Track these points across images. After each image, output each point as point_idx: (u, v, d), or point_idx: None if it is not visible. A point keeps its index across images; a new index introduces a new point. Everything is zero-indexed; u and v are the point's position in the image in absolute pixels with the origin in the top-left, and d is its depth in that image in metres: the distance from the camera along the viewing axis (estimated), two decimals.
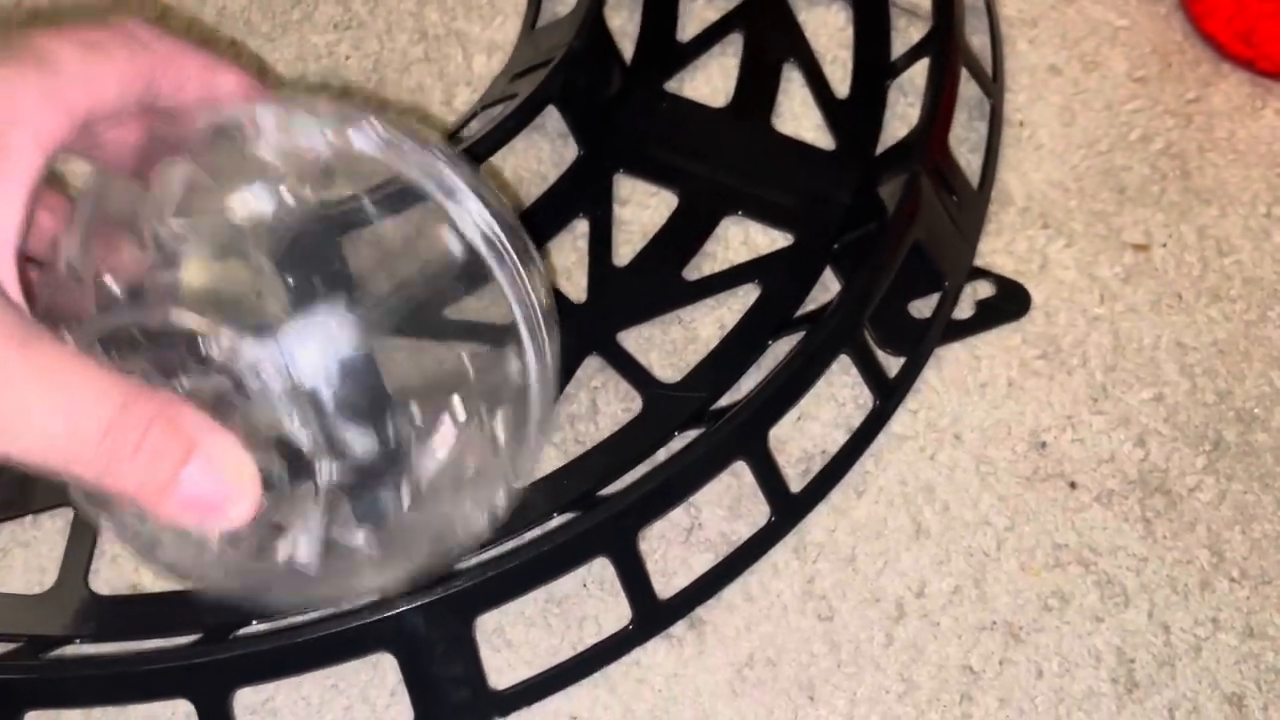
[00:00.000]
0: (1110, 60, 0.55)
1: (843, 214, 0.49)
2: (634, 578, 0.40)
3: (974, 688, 0.40)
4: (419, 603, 0.37)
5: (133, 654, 0.37)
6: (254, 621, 0.37)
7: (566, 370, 0.45)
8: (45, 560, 0.42)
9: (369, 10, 0.55)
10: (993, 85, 0.53)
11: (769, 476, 0.42)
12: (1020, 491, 0.44)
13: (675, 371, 0.46)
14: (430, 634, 0.37)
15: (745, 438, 0.42)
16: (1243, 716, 0.40)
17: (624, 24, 0.54)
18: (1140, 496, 0.44)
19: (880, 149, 0.51)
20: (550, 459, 0.44)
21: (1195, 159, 0.52)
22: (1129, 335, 0.48)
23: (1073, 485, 0.44)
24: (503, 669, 0.40)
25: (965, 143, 0.52)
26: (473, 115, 0.51)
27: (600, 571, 0.41)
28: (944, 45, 0.50)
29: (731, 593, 0.42)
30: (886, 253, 0.45)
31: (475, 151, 0.47)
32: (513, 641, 0.40)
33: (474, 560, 0.39)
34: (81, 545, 0.41)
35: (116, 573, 0.41)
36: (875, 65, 0.53)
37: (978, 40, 0.54)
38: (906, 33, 0.54)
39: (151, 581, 0.41)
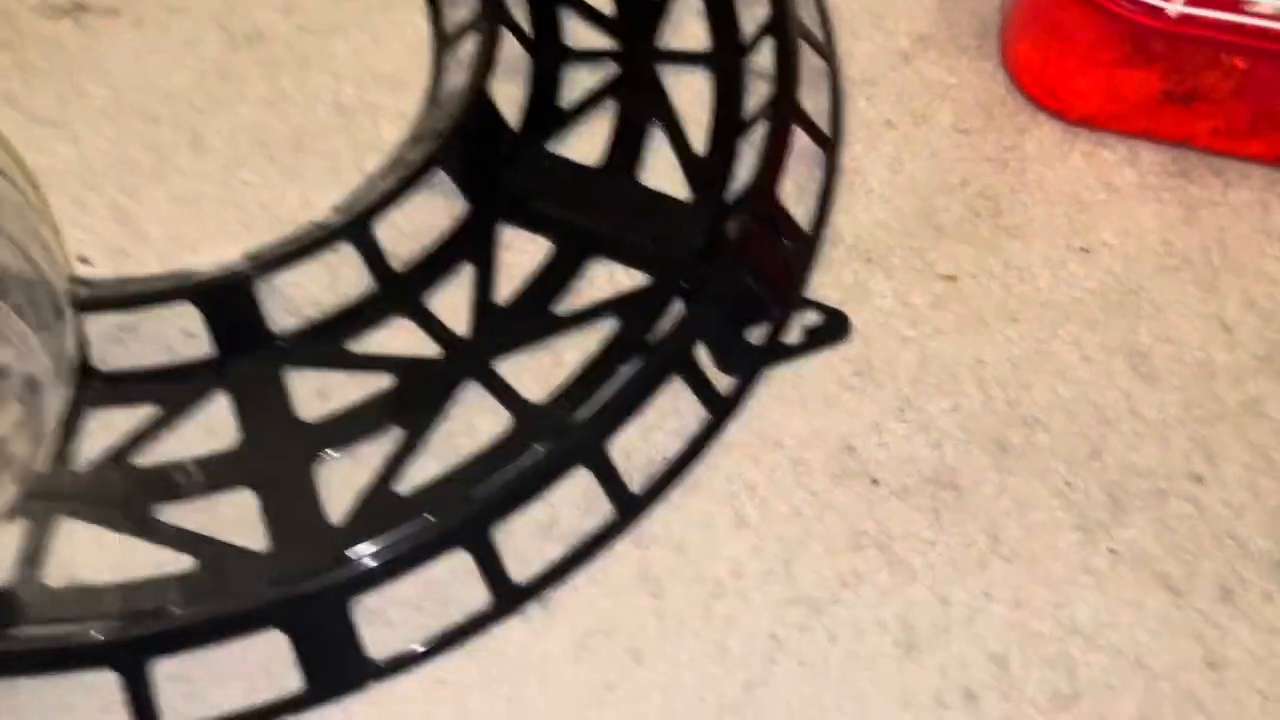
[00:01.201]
0: (939, 114, 0.63)
1: (696, 255, 0.57)
2: (491, 565, 0.48)
3: (778, 651, 0.48)
4: (303, 588, 0.45)
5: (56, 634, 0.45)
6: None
7: (449, 394, 0.53)
8: None
9: (296, 87, 0.63)
10: (828, 140, 0.61)
11: (610, 479, 0.50)
12: (829, 487, 0.52)
13: (544, 394, 0.54)
14: (316, 614, 0.45)
15: (587, 447, 0.50)
16: (1006, 672, 0.48)
17: (514, 92, 0.62)
18: (932, 490, 0.52)
19: (732, 198, 0.59)
20: (430, 470, 0.52)
21: (1007, 199, 0.60)
22: (934, 354, 0.55)
23: (875, 482, 0.52)
24: (381, 643, 0.48)
25: (806, 190, 0.60)
26: (381, 178, 0.60)
27: (466, 561, 0.49)
28: (779, 109, 0.59)
29: (578, 578, 0.49)
30: (718, 288, 0.54)
31: (376, 208, 0.56)
32: (392, 621, 0.48)
33: (357, 550, 0.47)
34: None
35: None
36: (729, 124, 0.61)
37: (818, 100, 0.62)
38: (757, 94, 0.62)
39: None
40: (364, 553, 0.47)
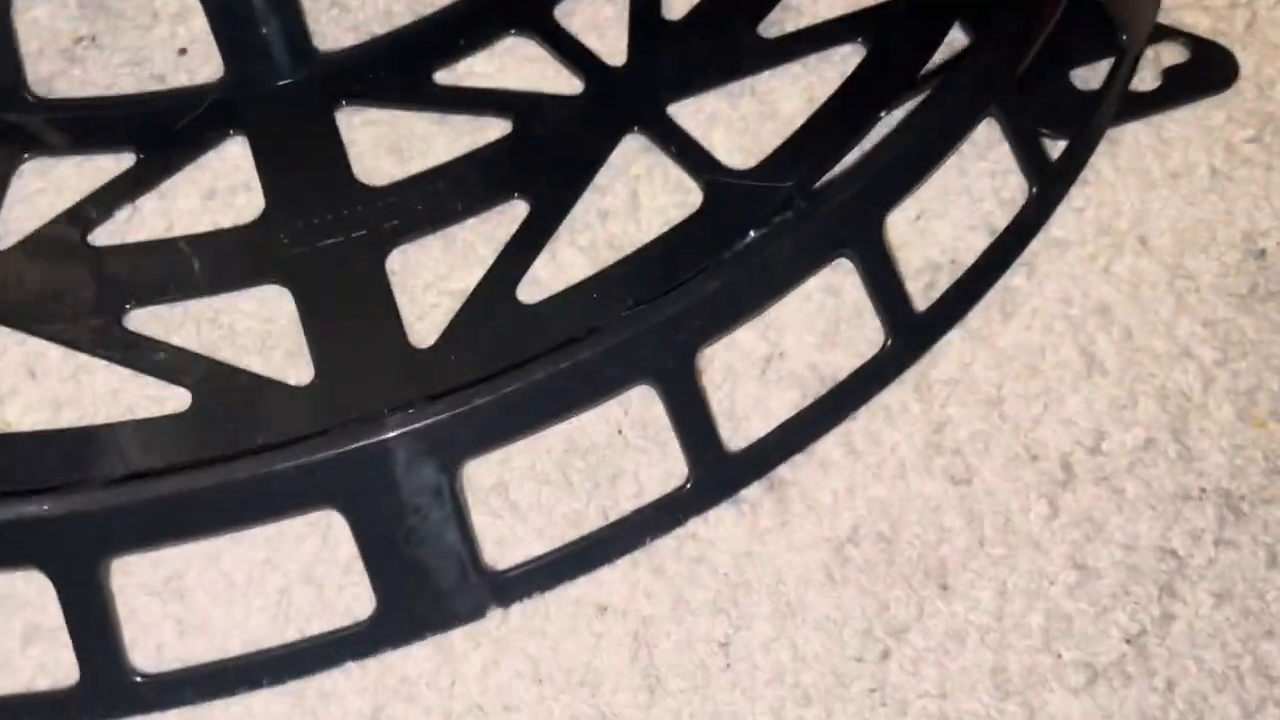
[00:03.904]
0: None
1: None
2: (692, 417, 0.28)
3: (1178, 578, 0.28)
4: (377, 437, 0.25)
5: None
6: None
7: (598, 152, 0.33)
8: None
9: None
10: None
11: (885, 284, 0.30)
12: (1233, 315, 0.31)
13: (747, 156, 0.34)
14: (397, 484, 0.26)
15: (850, 225, 0.29)
16: None
17: None
18: None
19: None
20: (575, 267, 0.32)
21: None
22: None
23: None
24: (506, 541, 0.28)
25: None
26: None
27: (643, 410, 0.29)
28: None
29: (828, 446, 0.30)
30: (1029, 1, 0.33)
31: None
32: (518, 505, 0.29)
33: (467, 389, 0.27)
34: None
35: None
36: None
37: None
38: None
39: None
40: (474, 384, 0.27)
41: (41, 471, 0.27)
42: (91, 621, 0.25)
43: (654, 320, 0.28)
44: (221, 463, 0.25)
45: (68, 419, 0.29)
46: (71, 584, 0.25)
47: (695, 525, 0.29)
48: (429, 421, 0.26)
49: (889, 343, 0.30)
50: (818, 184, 0.32)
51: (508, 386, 0.26)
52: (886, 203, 0.30)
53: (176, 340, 0.31)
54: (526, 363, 0.27)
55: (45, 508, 0.24)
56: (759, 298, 0.29)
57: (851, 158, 0.33)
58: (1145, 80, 0.36)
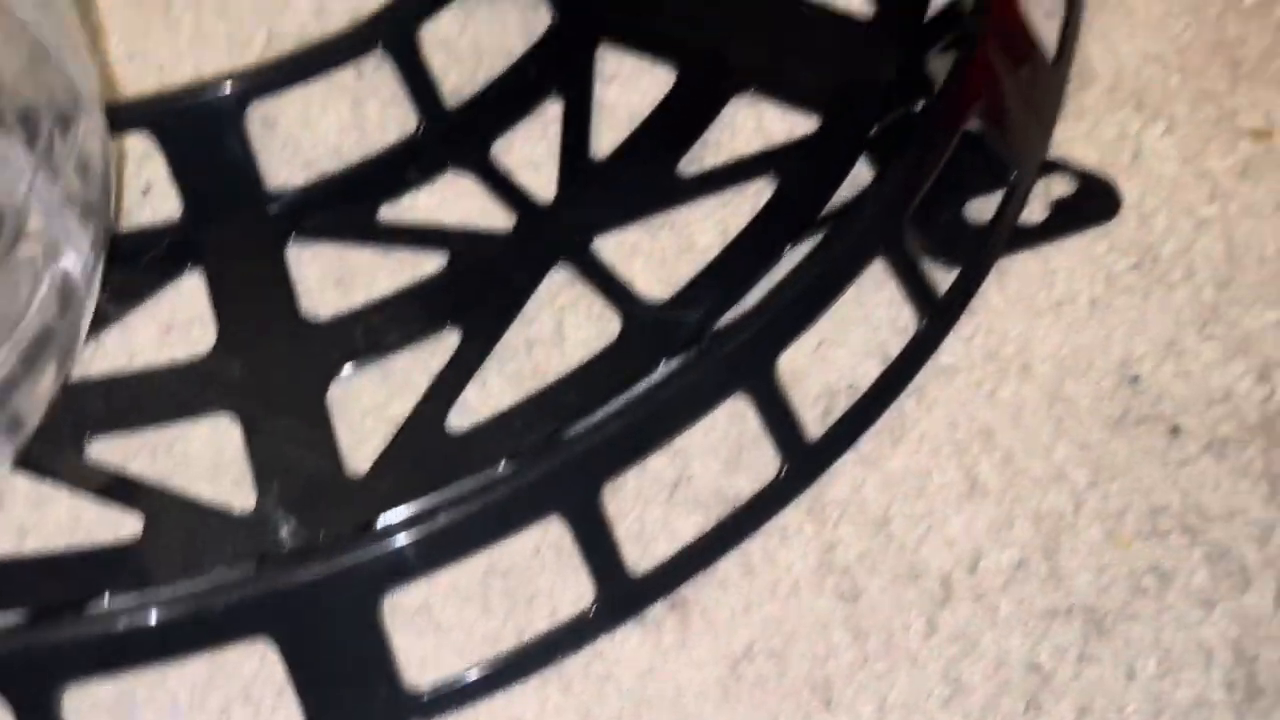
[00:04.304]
0: None
1: (881, 94, 0.39)
2: (598, 544, 0.31)
3: (1044, 692, 0.31)
4: (308, 576, 0.28)
5: None
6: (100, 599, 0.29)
7: (527, 284, 0.36)
8: None
9: None
10: None
11: (779, 416, 0.33)
12: (1107, 438, 0.34)
13: (665, 287, 0.36)
14: (324, 615, 0.28)
15: (748, 364, 0.32)
16: None
17: None
18: (1263, 446, 0.34)
19: (930, 16, 0.41)
20: (501, 394, 0.35)
21: None
22: (1246, 242, 0.37)
23: (1175, 431, 0.34)
24: (426, 661, 0.31)
25: (1038, 7, 0.42)
26: None
27: (558, 536, 0.32)
28: None
29: (727, 566, 0.32)
30: (935, 135, 0.35)
31: (420, 10, 0.38)
32: (441, 624, 0.31)
33: (387, 517, 0.30)
34: None
35: None
36: None
37: None
38: None
39: None
40: (399, 520, 0.30)
41: (6, 598, 0.30)
42: None
43: (564, 458, 0.30)
44: (164, 599, 0.28)
45: (31, 545, 0.32)
46: (30, 711, 0.27)
47: (603, 644, 0.31)
48: (355, 559, 0.29)
49: (785, 468, 0.33)
50: (722, 319, 0.35)
51: (425, 524, 0.29)
52: (781, 342, 0.33)
53: (134, 468, 0.33)
54: (449, 498, 0.30)
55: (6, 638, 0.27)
56: (663, 431, 0.32)
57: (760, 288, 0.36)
58: (1034, 211, 0.38)
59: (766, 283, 0.36)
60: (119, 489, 0.32)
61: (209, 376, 0.34)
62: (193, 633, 0.28)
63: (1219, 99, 0.40)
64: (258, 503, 0.32)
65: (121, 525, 0.32)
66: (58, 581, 0.30)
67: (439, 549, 0.30)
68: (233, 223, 0.36)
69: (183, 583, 0.29)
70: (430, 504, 0.30)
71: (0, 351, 0.28)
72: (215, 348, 0.35)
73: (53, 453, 0.33)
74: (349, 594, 0.28)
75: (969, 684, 0.31)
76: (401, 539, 0.29)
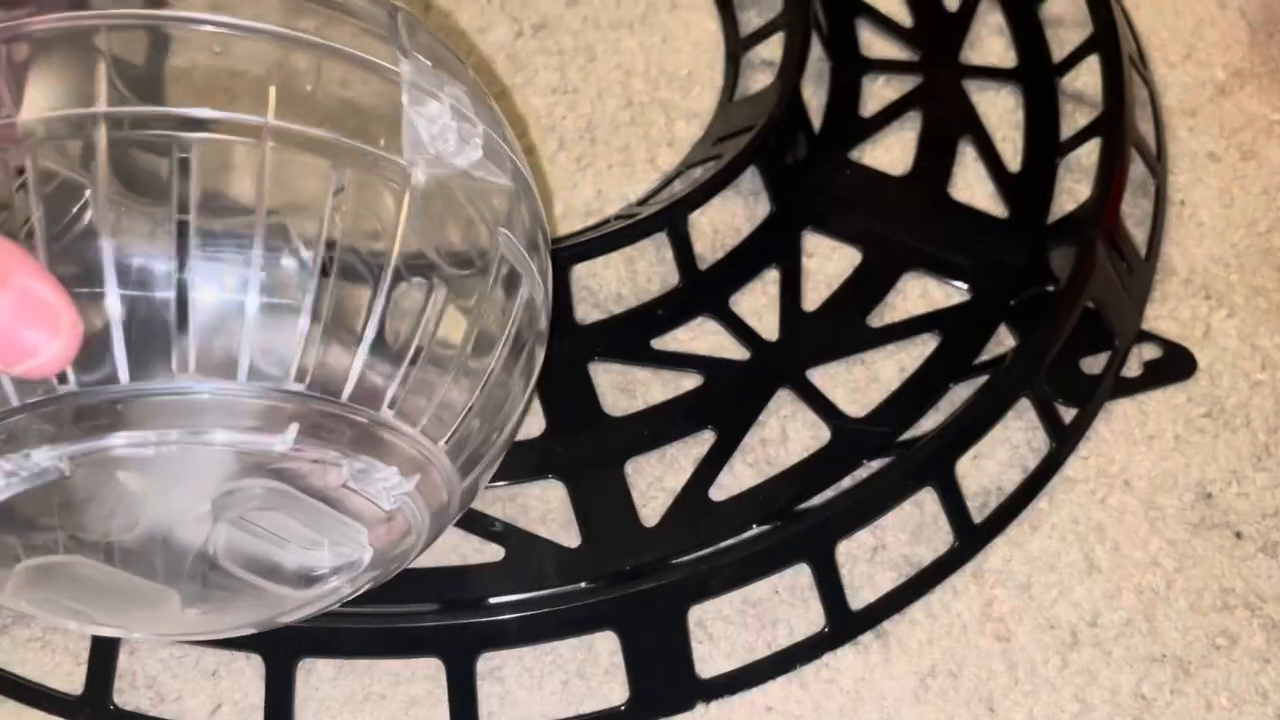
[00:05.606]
0: (1266, 150, 0.58)
1: (1016, 276, 0.53)
2: (830, 586, 0.44)
3: (1146, 713, 0.43)
4: (641, 587, 0.41)
5: (388, 613, 0.41)
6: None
7: (759, 399, 0.49)
8: None
9: (583, 78, 0.61)
10: (1157, 165, 0.57)
11: (954, 504, 0.46)
12: (1188, 537, 0.47)
13: (859, 408, 0.49)
14: (651, 616, 0.41)
15: (936, 465, 0.45)
16: None
17: (811, 98, 0.59)
18: None
19: (1051, 219, 0.55)
20: (744, 477, 0.48)
21: None
22: None
23: (1238, 535, 0.47)
24: (704, 659, 0.43)
25: (1130, 218, 0.56)
26: (677, 174, 0.57)
27: (792, 579, 0.45)
28: (1116, 125, 0.55)
29: (914, 610, 0.45)
30: (1064, 309, 0.49)
31: (682, 204, 0.53)
32: (714, 635, 0.44)
33: (687, 558, 0.43)
34: None
35: None
36: (1045, 143, 0.57)
37: (1142, 126, 0.58)
38: (1072, 117, 0.58)
39: None
40: (689, 558, 0.43)
41: (426, 593, 0.43)
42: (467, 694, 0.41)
43: (808, 524, 0.43)
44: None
45: (424, 562, 0.45)
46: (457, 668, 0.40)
47: (828, 657, 0.44)
48: (672, 579, 0.42)
49: (955, 544, 0.46)
50: (906, 432, 0.48)
51: (721, 560, 0.42)
52: (958, 452, 0.46)
53: (491, 513, 0.47)
54: (720, 545, 0.43)
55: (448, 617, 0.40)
56: (876, 510, 0.45)
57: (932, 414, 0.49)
58: (1132, 369, 0.51)
59: (935, 409, 0.49)
60: (478, 524, 0.45)
61: (543, 453, 0.47)
62: (557, 624, 0.41)
63: (1268, 294, 0.54)
64: (581, 541, 0.45)
65: (483, 552, 0.45)
66: (453, 585, 0.43)
67: (721, 579, 0.43)
68: (554, 347, 0.50)
69: (539, 592, 0.42)
70: (714, 549, 0.43)
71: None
72: (545, 431, 0.48)
73: None
74: (669, 602, 0.41)
75: (1091, 704, 0.43)
76: (699, 568, 0.42)
